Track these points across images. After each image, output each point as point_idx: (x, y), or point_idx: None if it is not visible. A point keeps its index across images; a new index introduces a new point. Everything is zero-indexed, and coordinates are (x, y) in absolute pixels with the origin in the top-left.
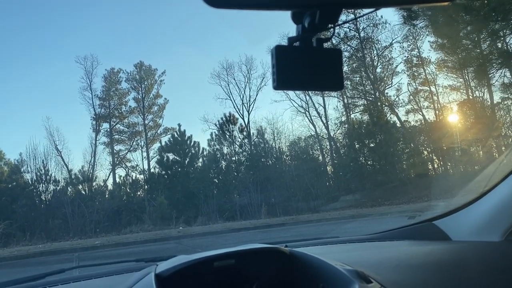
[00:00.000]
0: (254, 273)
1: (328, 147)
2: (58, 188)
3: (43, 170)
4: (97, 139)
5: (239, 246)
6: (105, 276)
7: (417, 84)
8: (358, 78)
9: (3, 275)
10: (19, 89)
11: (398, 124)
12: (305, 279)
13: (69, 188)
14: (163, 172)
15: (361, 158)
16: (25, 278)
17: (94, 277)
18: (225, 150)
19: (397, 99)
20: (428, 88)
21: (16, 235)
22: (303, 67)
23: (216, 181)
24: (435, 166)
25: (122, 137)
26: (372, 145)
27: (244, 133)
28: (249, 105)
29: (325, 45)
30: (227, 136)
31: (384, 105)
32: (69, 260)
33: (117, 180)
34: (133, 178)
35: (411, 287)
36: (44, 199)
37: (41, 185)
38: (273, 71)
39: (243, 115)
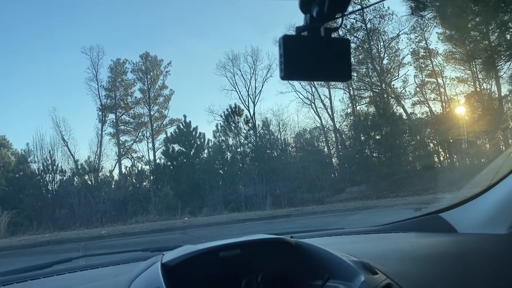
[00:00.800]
0: (260, 263)
1: (334, 139)
2: (64, 178)
3: (49, 160)
4: (103, 129)
5: (245, 237)
6: (111, 266)
7: (424, 76)
8: (364, 70)
9: (10, 263)
10: (25, 79)
11: (404, 116)
12: (310, 270)
13: (75, 178)
14: (169, 163)
15: (366, 150)
16: (32, 266)
17: (101, 266)
18: (231, 141)
19: (403, 91)
20: (435, 80)
21: (23, 224)
22: (311, 57)
23: (222, 172)
24: (441, 158)
25: (128, 128)
26: (378, 137)
27: (250, 124)
28: (255, 97)
29: (333, 34)
30: (233, 128)
31: (390, 97)
32: (76, 249)
33: (123, 170)
34: (139, 168)
35: (416, 279)
36: (50, 189)
37: (48, 175)
38: (280, 61)
39: (248, 107)
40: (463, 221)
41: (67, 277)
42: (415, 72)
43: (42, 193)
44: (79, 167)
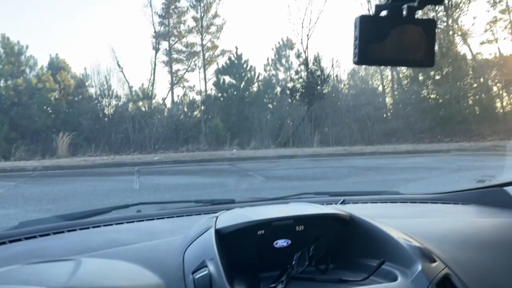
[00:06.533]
0: (312, 235)
1: (390, 77)
2: (119, 103)
3: (106, 85)
4: (157, 57)
5: (297, 204)
6: (166, 218)
7: (496, 12)
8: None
9: (75, 182)
10: (83, 4)
11: (469, 56)
12: (364, 247)
13: (130, 105)
14: (219, 95)
15: (424, 91)
16: (94, 210)
17: (156, 218)
18: (281, 76)
19: (472, 28)
20: (508, 17)
21: (83, 145)
22: (390, 40)
23: (270, 106)
24: (504, 104)
25: (180, 57)
26: (437, 77)
27: (301, 59)
28: (309, 29)
29: (417, 14)
30: (284, 62)
31: (456, 34)
32: (130, 173)
33: (175, 99)
34: (190, 98)
35: (478, 268)
36: (107, 113)
37: (104, 99)
38: (355, 44)
39: (301, 40)
40: None
41: (124, 228)
42: (488, 7)
43: (99, 117)
44: (133, 93)
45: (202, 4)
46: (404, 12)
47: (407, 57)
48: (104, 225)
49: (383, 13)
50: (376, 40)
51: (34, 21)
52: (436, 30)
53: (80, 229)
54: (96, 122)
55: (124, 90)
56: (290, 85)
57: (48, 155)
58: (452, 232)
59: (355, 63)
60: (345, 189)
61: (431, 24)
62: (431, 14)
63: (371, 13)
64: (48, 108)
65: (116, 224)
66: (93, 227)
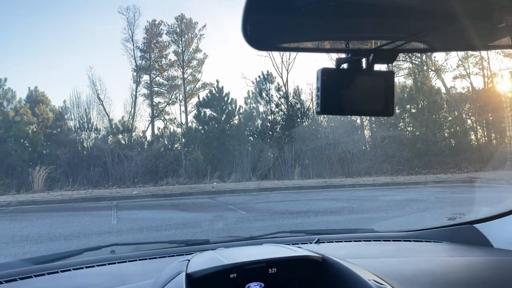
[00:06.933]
0: (285, 276)
1: None
2: (99, 136)
3: (85, 118)
4: (138, 90)
5: (270, 246)
6: (139, 260)
7: None
8: None
9: (51, 218)
10: (64, 37)
11: (443, 90)
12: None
13: (109, 137)
14: (200, 127)
15: (400, 124)
16: (65, 253)
17: (128, 260)
18: (261, 108)
19: (444, 63)
20: (479, 53)
21: (60, 179)
22: (351, 91)
23: (251, 139)
24: (478, 136)
25: (161, 90)
26: (413, 111)
27: (281, 92)
28: (288, 64)
29: (376, 67)
30: (264, 95)
31: (430, 70)
32: (108, 207)
33: (156, 132)
34: (171, 131)
35: None
36: (86, 146)
37: (84, 132)
38: (317, 95)
39: (281, 74)
40: (500, 235)
41: (95, 272)
42: None
43: (78, 150)
44: (113, 126)
45: (183, 39)
46: (364, 65)
47: (367, 107)
48: (74, 269)
49: (344, 66)
50: (338, 91)
51: (13, 53)
52: (411, 66)
53: (48, 273)
54: (75, 156)
55: (104, 123)
56: (270, 117)
57: (23, 189)
58: (423, 272)
59: (318, 113)
60: (323, 225)
61: (390, 75)
62: None
63: (332, 66)
64: (25, 142)
65: (86, 267)
66: (62, 271)
